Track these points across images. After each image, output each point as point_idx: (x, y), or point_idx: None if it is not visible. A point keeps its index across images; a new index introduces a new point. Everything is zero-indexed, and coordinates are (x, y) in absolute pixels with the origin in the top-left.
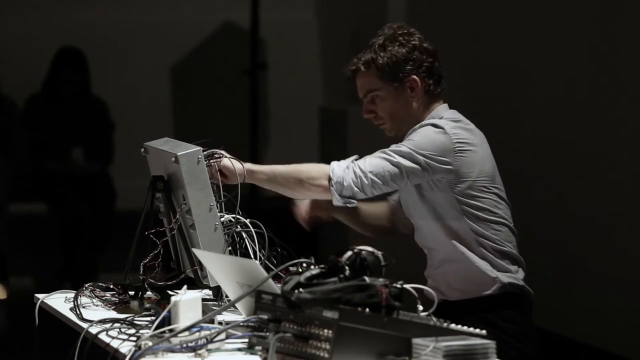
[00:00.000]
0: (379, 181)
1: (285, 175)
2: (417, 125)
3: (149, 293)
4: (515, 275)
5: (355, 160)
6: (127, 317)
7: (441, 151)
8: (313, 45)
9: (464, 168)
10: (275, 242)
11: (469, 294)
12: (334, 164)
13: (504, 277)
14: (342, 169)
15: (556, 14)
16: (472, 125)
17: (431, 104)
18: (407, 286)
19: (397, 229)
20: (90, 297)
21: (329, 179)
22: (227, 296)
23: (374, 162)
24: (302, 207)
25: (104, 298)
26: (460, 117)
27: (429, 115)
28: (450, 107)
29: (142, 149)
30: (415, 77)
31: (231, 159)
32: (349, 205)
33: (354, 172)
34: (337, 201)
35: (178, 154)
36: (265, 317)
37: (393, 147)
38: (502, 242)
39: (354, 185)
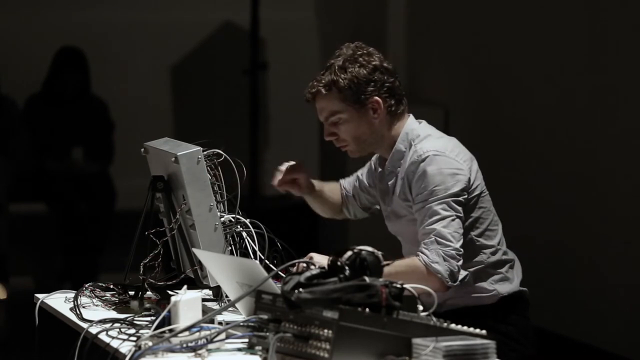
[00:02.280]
0: (461, 242)
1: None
2: (420, 168)
3: (149, 293)
4: (512, 282)
5: (435, 243)
6: (127, 317)
7: (463, 184)
8: (313, 45)
9: (473, 184)
10: (275, 242)
11: (466, 304)
12: (429, 264)
13: (502, 288)
14: (442, 265)
15: (556, 15)
16: (454, 139)
17: (394, 122)
18: (407, 286)
19: (345, 214)
20: (90, 297)
21: (442, 280)
22: (227, 296)
23: (450, 232)
24: (282, 172)
25: (104, 298)
26: (437, 131)
27: (396, 133)
28: (451, 107)
29: (142, 149)
30: (377, 98)
31: None
32: (462, 280)
33: (452, 256)
34: (457, 284)
35: (178, 154)
36: (265, 317)
37: (438, 208)
38: (500, 248)
39: (457, 264)
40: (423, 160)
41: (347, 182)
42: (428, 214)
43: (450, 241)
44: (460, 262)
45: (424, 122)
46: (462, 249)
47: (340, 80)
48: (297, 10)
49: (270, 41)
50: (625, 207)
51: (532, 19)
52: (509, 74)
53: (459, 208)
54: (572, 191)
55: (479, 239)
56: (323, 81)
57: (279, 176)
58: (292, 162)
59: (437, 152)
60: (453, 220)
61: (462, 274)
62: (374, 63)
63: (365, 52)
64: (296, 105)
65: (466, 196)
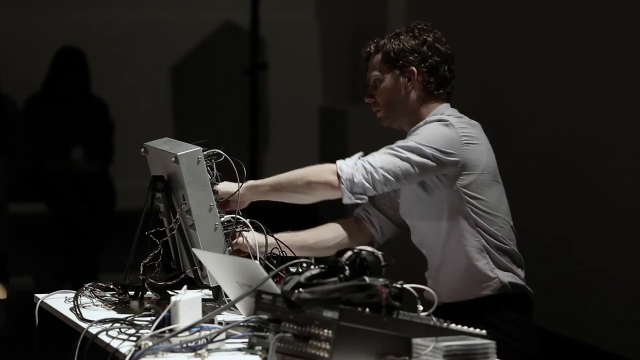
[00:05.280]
0: (391, 177)
1: (291, 179)
2: (422, 122)
3: (149, 293)
4: (515, 275)
5: (361, 157)
6: (127, 317)
7: (448, 144)
8: (313, 45)
9: (470, 161)
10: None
11: (468, 295)
12: (340, 162)
13: (504, 277)
14: (351, 166)
15: (556, 14)
16: (474, 122)
17: (429, 101)
18: (407, 286)
19: (372, 232)
20: (90, 297)
21: (338, 177)
22: (227, 296)
23: (384, 158)
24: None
25: (104, 298)
26: (461, 115)
27: (428, 113)
28: (450, 107)
29: (142, 149)
30: (414, 68)
31: (228, 185)
32: (360, 201)
33: (364, 168)
34: (349, 199)
35: (178, 154)
36: (265, 317)
37: (400, 142)
38: (505, 240)
39: (365, 181)
40: (428, 122)
41: (364, 204)
42: (397, 143)
43: (381, 167)
44: (368, 188)
45: (455, 109)
46: (379, 180)
47: (389, 45)
48: (297, 10)
49: (270, 41)
50: (625, 206)
51: (534, 18)
52: (510, 74)
53: (422, 160)
54: (573, 190)
55: (477, 218)
56: (377, 42)
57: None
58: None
59: (442, 118)
60: (405, 161)
61: (362, 198)
62: (425, 37)
63: (424, 27)
64: (296, 105)
65: (443, 161)
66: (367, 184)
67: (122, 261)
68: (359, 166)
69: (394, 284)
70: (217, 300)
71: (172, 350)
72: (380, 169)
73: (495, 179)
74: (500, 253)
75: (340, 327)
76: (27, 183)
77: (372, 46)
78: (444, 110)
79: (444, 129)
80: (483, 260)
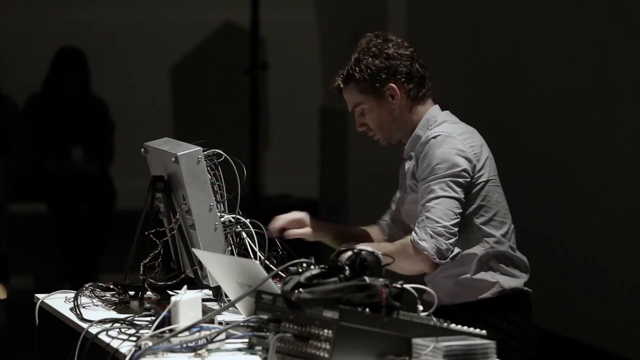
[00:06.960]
0: (456, 220)
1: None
2: (427, 147)
3: (149, 293)
4: (515, 277)
5: (424, 224)
6: (127, 317)
7: (469, 163)
8: (313, 45)
9: (480, 170)
10: (275, 242)
11: (467, 298)
12: (418, 243)
13: (504, 281)
14: (428, 242)
15: (557, 14)
16: (470, 128)
17: (416, 106)
18: (407, 286)
19: None
20: (90, 297)
21: (428, 257)
22: (227, 296)
23: (439, 213)
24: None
25: (104, 298)
26: (455, 119)
27: (419, 118)
28: (450, 106)
29: (142, 149)
30: (392, 84)
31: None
32: (453, 259)
33: (437, 234)
34: (445, 261)
35: (178, 154)
36: (265, 317)
37: (432, 185)
38: (503, 243)
39: (446, 241)
40: (430, 140)
41: (387, 213)
42: (426, 191)
43: (441, 218)
44: (451, 241)
45: (447, 111)
46: (454, 228)
47: (356, 73)
48: (297, 10)
49: (270, 41)
50: (626, 206)
51: (533, 17)
52: (509, 72)
53: (458, 189)
54: (573, 190)
55: (482, 226)
56: (342, 75)
57: (276, 223)
58: (297, 216)
59: (445, 134)
60: (448, 199)
61: (455, 251)
62: (386, 51)
63: (379, 41)
64: (296, 105)
65: (468, 179)
66: (449, 243)
67: (122, 261)
68: (434, 237)
69: (394, 284)
70: (217, 300)
71: (172, 350)
72: (445, 224)
73: (496, 182)
74: (499, 257)
75: (340, 327)
76: (27, 183)
77: (338, 80)
78: (435, 114)
79: (458, 156)
80: (482, 265)
